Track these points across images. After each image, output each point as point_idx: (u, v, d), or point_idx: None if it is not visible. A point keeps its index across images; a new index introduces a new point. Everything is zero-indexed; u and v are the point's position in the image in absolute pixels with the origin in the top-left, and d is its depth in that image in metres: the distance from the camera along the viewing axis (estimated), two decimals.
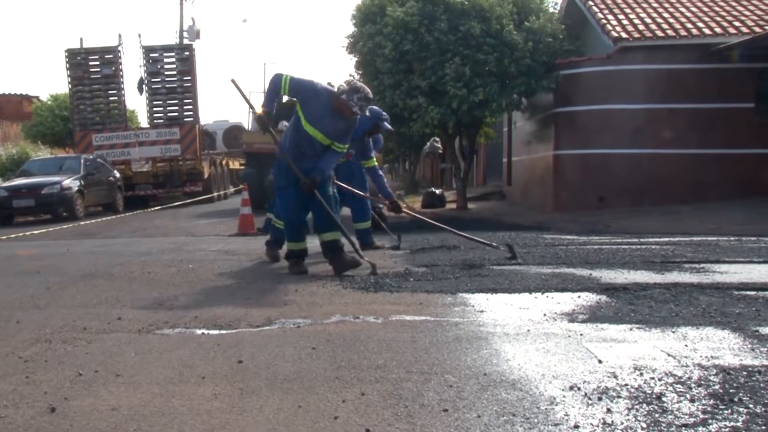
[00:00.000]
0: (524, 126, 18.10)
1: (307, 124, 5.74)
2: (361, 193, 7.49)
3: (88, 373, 3.06)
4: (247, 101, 7.01)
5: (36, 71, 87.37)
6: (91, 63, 20.59)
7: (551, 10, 15.90)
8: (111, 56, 20.53)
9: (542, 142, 16.23)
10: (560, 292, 4.81)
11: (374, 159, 8.03)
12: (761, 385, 2.69)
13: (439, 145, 17.79)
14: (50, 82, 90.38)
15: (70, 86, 20.61)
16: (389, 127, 7.73)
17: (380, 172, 8.19)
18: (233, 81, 6.42)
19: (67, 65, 20.26)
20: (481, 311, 4.23)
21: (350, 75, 17.23)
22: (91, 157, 18.36)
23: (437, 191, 18.84)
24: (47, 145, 26.90)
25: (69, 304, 4.77)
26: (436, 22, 14.12)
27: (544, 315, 4.08)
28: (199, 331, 3.86)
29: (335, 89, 5.82)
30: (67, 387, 2.87)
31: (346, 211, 7.82)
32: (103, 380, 2.96)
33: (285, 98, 7.75)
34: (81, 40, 21.37)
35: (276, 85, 5.75)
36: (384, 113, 7.76)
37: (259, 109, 6.21)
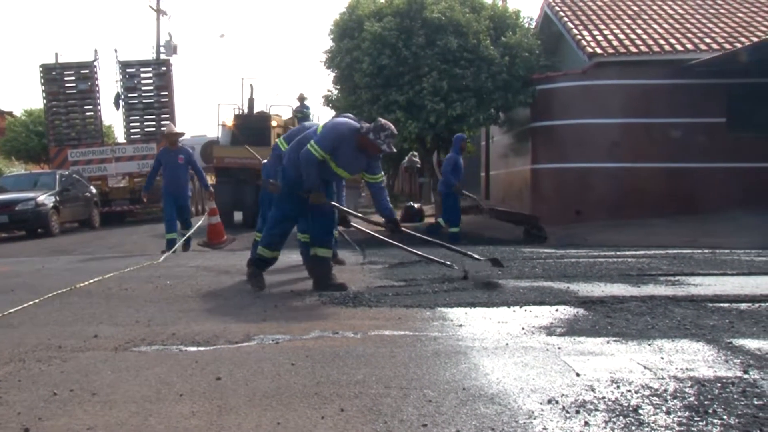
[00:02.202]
0: (501, 140, 18.26)
1: (334, 165, 5.75)
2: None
3: (63, 392, 3.02)
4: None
5: (10, 86, 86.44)
6: (66, 78, 20.47)
7: (527, 25, 16.07)
8: (87, 71, 20.42)
9: (519, 156, 16.37)
10: (538, 305, 4.85)
11: (381, 175, 6.74)
12: (735, 396, 2.72)
13: (417, 160, 17.85)
14: (25, 97, 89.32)
15: (45, 101, 20.44)
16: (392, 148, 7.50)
17: (384, 191, 6.58)
18: (269, 182, 6.33)
19: (42, 80, 20.12)
20: (460, 325, 4.24)
21: (328, 90, 17.33)
22: (67, 172, 18.20)
23: (415, 206, 18.87)
24: (21, 160, 26.63)
25: (44, 322, 4.71)
26: (414, 36, 14.22)
27: (523, 329, 4.10)
28: (176, 348, 3.83)
29: (360, 126, 5.70)
30: (41, 407, 2.83)
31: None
32: (79, 399, 2.92)
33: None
34: (56, 55, 21.37)
35: (312, 160, 5.60)
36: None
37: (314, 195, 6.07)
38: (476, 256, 6.80)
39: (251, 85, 31.29)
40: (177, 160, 10.67)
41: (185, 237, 10.75)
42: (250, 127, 16.88)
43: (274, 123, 16.98)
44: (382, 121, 5.71)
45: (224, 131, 18.07)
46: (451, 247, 7.02)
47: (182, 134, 11.60)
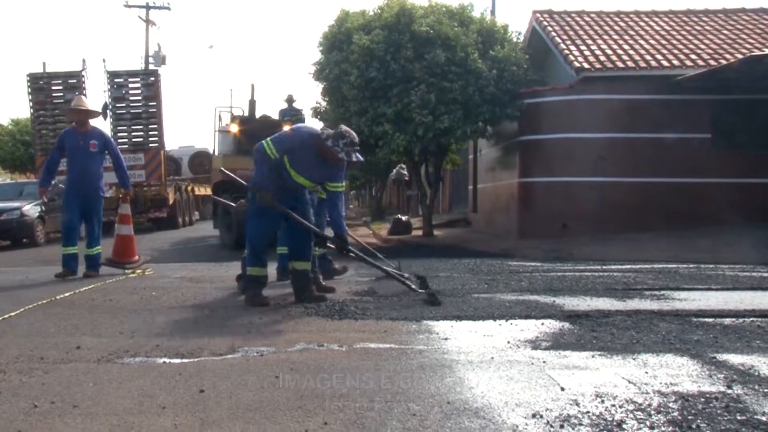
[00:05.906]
0: (489, 153, 18.31)
1: (294, 172, 5.70)
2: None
3: (44, 404, 2.99)
4: (245, 185, 6.43)
5: None
6: (53, 87, 20.31)
7: (515, 39, 16.17)
8: (74, 81, 20.29)
9: (507, 170, 16.42)
10: (524, 319, 4.85)
11: (342, 184, 6.45)
12: (718, 411, 2.73)
13: (405, 172, 17.83)
14: (11, 106, 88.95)
15: (31, 111, 20.30)
16: (360, 158, 6.45)
17: (339, 202, 6.29)
18: (222, 170, 7.47)
19: (29, 89, 19.97)
20: (446, 339, 4.24)
21: (317, 102, 17.30)
22: (53, 182, 18.04)
23: (403, 218, 18.91)
24: (7, 170, 26.51)
25: (26, 333, 4.66)
26: (402, 50, 14.27)
27: (508, 342, 4.10)
28: (160, 360, 3.80)
29: (320, 132, 5.67)
30: (21, 419, 2.80)
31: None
32: (60, 411, 2.89)
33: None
34: (44, 64, 21.23)
35: (263, 156, 5.67)
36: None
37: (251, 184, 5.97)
38: (413, 286, 6.15)
39: (252, 86, 30.28)
40: (88, 147, 8.13)
41: (92, 254, 8.38)
42: (259, 135, 15.24)
43: (286, 128, 16.07)
44: (344, 128, 5.66)
45: (224, 138, 16.49)
46: (388, 271, 6.50)
47: (95, 113, 8.79)
